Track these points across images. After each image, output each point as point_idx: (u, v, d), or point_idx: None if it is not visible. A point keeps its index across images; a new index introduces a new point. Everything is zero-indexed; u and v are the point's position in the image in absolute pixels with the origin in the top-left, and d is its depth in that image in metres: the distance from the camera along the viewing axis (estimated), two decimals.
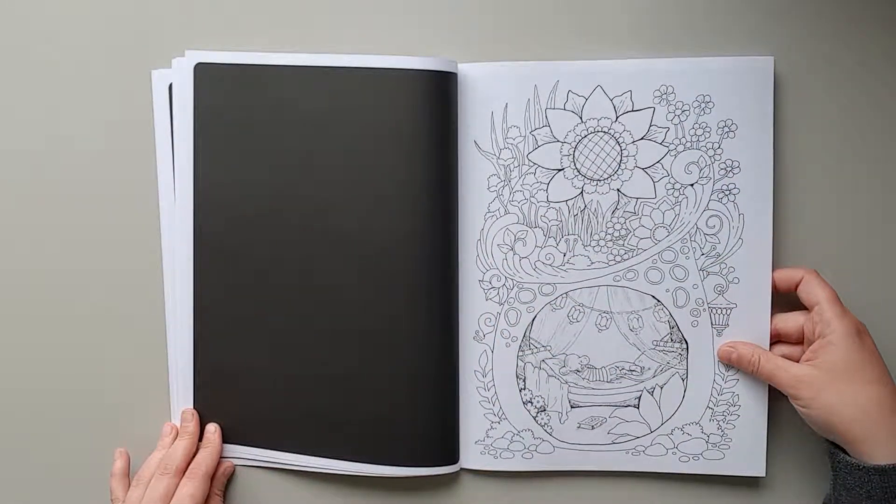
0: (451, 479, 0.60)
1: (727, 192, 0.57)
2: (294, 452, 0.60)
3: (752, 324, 0.57)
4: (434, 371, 0.59)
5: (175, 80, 0.57)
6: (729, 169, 0.57)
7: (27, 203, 0.60)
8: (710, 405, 0.58)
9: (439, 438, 0.59)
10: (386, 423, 0.59)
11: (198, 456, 0.58)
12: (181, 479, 0.57)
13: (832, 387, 0.52)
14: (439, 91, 0.57)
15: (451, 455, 0.59)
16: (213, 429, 0.59)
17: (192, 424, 0.59)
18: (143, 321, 0.60)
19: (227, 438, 0.60)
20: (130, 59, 0.58)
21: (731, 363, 0.57)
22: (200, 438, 0.59)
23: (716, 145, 0.57)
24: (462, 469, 0.60)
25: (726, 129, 0.57)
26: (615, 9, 0.57)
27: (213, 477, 0.59)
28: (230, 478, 0.60)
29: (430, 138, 0.57)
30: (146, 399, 0.60)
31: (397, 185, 0.57)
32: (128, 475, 0.59)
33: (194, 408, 0.60)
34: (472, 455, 0.60)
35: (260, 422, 0.60)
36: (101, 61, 0.58)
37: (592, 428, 0.59)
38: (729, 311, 0.58)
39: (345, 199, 0.57)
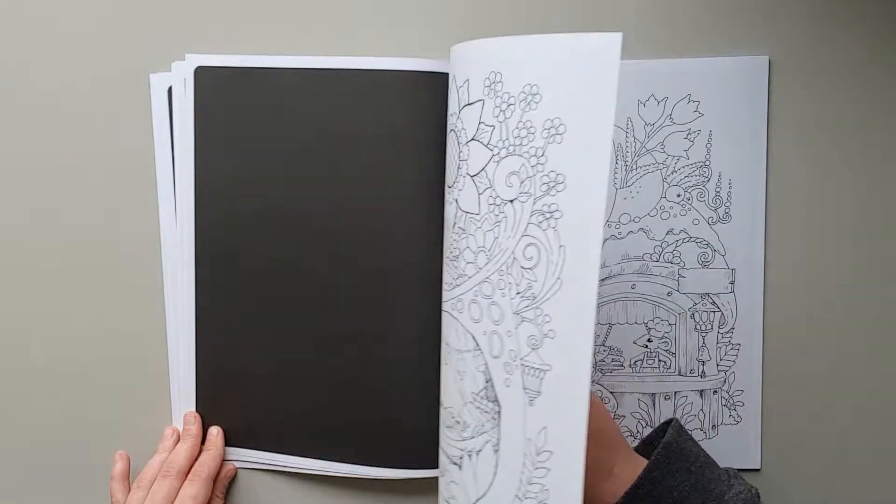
0: None
1: (547, 215, 0.42)
2: (294, 455, 0.60)
3: (565, 397, 0.42)
4: (434, 375, 0.56)
5: (175, 83, 0.62)
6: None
7: (26, 208, 0.60)
8: (518, 495, 0.44)
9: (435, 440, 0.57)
10: (386, 425, 0.59)
11: (200, 458, 0.59)
12: (183, 481, 0.57)
13: None
14: (438, 91, 0.55)
15: None
16: (215, 432, 0.60)
17: (195, 427, 0.59)
18: (143, 324, 0.61)
19: (227, 441, 0.60)
20: (128, 62, 0.59)
21: None
22: (203, 441, 0.60)
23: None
24: None
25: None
26: (609, 10, 0.56)
27: (215, 479, 0.59)
28: (231, 480, 0.61)
29: (430, 138, 0.56)
30: (147, 402, 0.61)
31: (396, 186, 0.57)
32: (128, 478, 0.59)
33: (196, 411, 0.60)
34: None
35: (260, 425, 0.60)
36: (100, 65, 0.60)
37: None
38: (542, 373, 0.43)
39: (344, 202, 0.58)
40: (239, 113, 0.59)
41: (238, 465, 0.60)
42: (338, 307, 0.57)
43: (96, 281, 0.60)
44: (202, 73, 0.60)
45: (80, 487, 0.61)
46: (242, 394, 0.60)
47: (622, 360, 0.57)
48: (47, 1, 0.59)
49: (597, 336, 0.57)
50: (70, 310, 0.60)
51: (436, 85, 0.55)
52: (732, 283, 0.56)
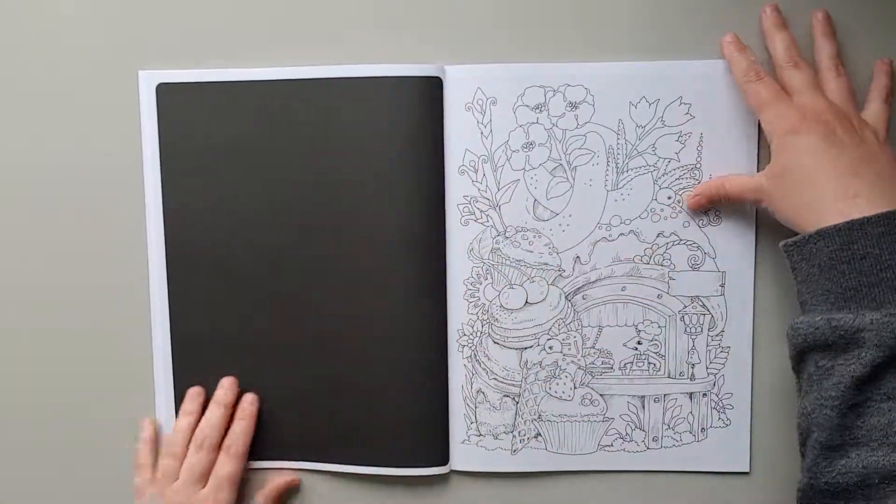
0: (441, 480, 0.60)
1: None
2: (288, 460, 0.59)
3: None
4: (426, 376, 0.57)
5: (143, 98, 0.58)
6: None
7: (18, 214, 0.60)
8: None
9: (430, 440, 0.58)
10: (378, 426, 0.58)
11: (233, 430, 0.57)
12: (217, 455, 0.56)
13: (779, 189, 0.51)
14: (423, 97, 0.55)
15: (443, 456, 0.58)
16: (251, 399, 0.57)
17: (231, 395, 0.57)
18: (128, 322, 0.60)
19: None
20: (119, 63, 0.58)
21: (703, 206, 0.55)
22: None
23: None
24: (452, 470, 0.59)
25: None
26: (602, 12, 0.55)
27: (280, 493, 0.58)
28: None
29: (416, 147, 0.56)
30: (133, 414, 0.60)
31: (380, 187, 0.56)
32: (156, 443, 0.59)
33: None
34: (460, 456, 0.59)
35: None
36: (90, 66, 0.59)
37: None
38: None
39: (331, 210, 0.57)
40: (212, 126, 0.57)
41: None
42: (327, 314, 0.57)
43: (83, 286, 0.60)
44: (164, 89, 0.58)
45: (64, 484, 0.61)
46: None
47: (612, 362, 0.57)
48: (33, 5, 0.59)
49: (586, 339, 0.57)
50: (56, 306, 0.60)
51: (421, 89, 0.55)
52: (723, 285, 0.56)
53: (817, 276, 0.48)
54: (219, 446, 0.56)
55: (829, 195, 0.48)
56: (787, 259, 0.51)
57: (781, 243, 0.51)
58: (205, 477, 0.56)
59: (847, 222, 0.47)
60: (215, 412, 0.57)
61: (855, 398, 0.46)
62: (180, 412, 0.58)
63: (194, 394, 0.58)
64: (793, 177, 0.50)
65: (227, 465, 0.56)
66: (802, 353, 0.49)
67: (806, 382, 0.49)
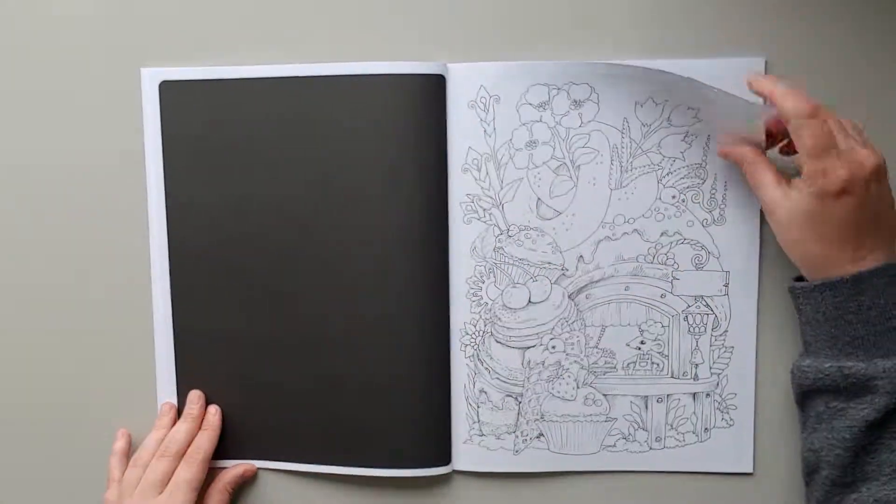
0: (443, 480, 0.59)
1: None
2: (290, 461, 0.60)
3: None
4: (428, 375, 0.57)
5: (146, 95, 0.58)
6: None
7: (20, 213, 0.60)
8: None
9: (432, 440, 0.58)
10: (380, 426, 0.58)
11: (196, 439, 0.58)
12: (180, 462, 0.57)
13: (792, 231, 0.50)
14: (426, 95, 0.55)
15: (445, 456, 0.58)
16: (213, 410, 0.59)
17: (197, 408, 0.58)
18: (132, 321, 0.60)
19: (223, 454, 0.59)
20: (122, 61, 0.58)
21: (727, 157, 0.54)
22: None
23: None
24: (454, 471, 0.59)
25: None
26: (606, 12, 0.55)
27: (232, 483, 0.59)
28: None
29: (419, 145, 0.55)
30: (134, 413, 0.61)
31: (387, 186, 0.56)
32: (128, 456, 0.59)
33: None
34: (463, 456, 0.59)
35: (252, 434, 0.60)
36: (93, 65, 0.58)
37: None
38: None
39: (334, 208, 0.57)
40: (212, 125, 0.57)
41: (228, 465, 0.60)
42: (328, 313, 0.57)
43: (86, 284, 0.60)
44: (166, 87, 0.58)
45: (77, 466, 0.61)
46: (232, 405, 0.59)
47: (615, 362, 0.57)
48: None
49: (589, 338, 0.57)
50: (59, 305, 0.60)
51: (424, 87, 0.55)
52: (727, 285, 0.56)
53: (823, 323, 0.49)
54: (182, 455, 0.57)
55: (842, 256, 0.48)
56: (793, 300, 0.52)
57: (788, 286, 0.52)
58: (163, 483, 0.56)
59: (854, 275, 0.48)
60: (182, 425, 0.58)
61: (867, 439, 0.48)
62: (154, 426, 0.59)
63: (167, 409, 0.59)
64: (813, 230, 0.49)
65: (184, 471, 0.56)
66: (808, 393, 0.51)
67: (814, 419, 0.50)
